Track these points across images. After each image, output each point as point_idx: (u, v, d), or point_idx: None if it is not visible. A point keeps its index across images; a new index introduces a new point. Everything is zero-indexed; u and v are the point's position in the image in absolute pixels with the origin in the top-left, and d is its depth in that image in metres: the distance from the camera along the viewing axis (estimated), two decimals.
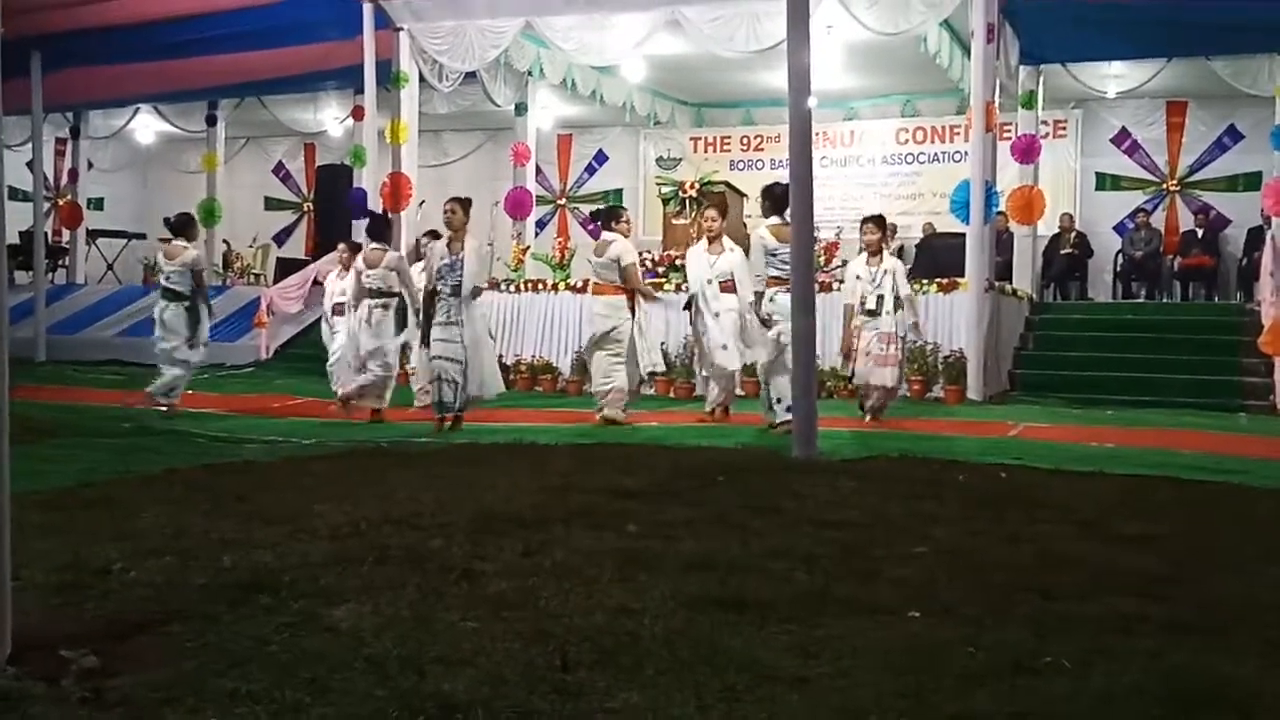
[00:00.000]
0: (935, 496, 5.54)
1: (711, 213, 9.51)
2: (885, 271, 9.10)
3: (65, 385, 12.45)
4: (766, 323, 8.63)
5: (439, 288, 8.65)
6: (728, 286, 9.06)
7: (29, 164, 16.67)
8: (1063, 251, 15.61)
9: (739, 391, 9.79)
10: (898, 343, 9.09)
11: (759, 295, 8.76)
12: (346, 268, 10.34)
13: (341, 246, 11.09)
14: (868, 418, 9.14)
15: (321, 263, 14.83)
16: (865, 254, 9.24)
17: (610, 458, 6.77)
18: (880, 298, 9.02)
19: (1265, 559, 4.27)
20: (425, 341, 8.83)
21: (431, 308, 8.69)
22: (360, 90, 14.04)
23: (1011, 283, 13.21)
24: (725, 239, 9.29)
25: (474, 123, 18.26)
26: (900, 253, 15.77)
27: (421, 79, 13.65)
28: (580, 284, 12.73)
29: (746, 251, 9.14)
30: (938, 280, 11.56)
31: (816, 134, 11.20)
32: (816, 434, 7.15)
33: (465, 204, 8.81)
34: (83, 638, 3.05)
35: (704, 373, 9.77)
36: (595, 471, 6.09)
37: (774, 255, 8.73)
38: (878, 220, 9.41)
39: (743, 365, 9.35)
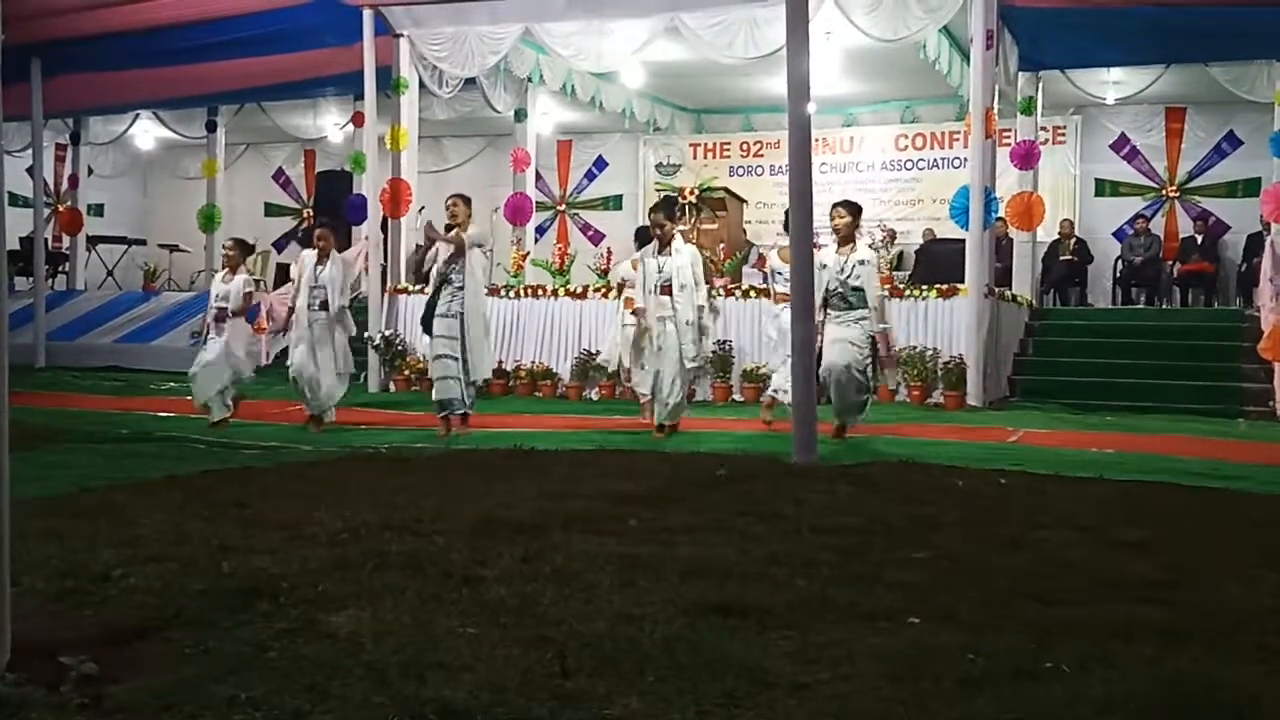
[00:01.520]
0: (934, 502, 5.54)
1: (657, 217, 9.02)
2: (860, 262, 8.43)
3: (65, 391, 12.46)
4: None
5: (450, 277, 8.75)
6: (667, 289, 8.65)
7: (29, 170, 16.69)
8: (1062, 257, 15.61)
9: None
10: (884, 340, 8.62)
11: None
12: (233, 270, 9.82)
13: (227, 244, 10.27)
14: (843, 426, 8.58)
15: None
16: (835, 242, 8.56)
17: (609, 463, 6.78)
18: (857, 290, 8.38)
19: (1265, 565, 4.27)
20: (427, 330, 8.91)
21: (436, 298, 8.81)
22: (360, 96, 14.05)
23: (1011, 289, 13.21)
24: (677, 240, 8.87)
25: (474, 129, 18.27)
26: (900, 259, 15.84)
27: (421, 85, 13.67)
28: (580, 290, 12.76)
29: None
30: (937, 286, 11.56)
31: (816, 140, 11.21)
32: (816, 440, 7.16)
33: (467, 200, 9.03)
34: (82, 644, 3.05)
35: (628, 383, 9.28)
36: (594, 477, 6.09)
37: (779, 274, 8.99)
38: (848, 205, 8.72)
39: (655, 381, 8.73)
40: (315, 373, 9.26)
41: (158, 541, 4.37)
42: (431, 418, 9.00)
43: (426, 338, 9.11)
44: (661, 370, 8.68)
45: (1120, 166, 16.38)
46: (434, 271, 8.98)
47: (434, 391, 8.92)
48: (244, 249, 10.39)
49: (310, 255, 9.60)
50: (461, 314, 8.69)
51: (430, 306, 8.87)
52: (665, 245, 8.81)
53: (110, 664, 2.92)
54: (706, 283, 9.21)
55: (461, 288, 8.71)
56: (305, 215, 20.51)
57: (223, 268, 9.95)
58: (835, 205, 8.71)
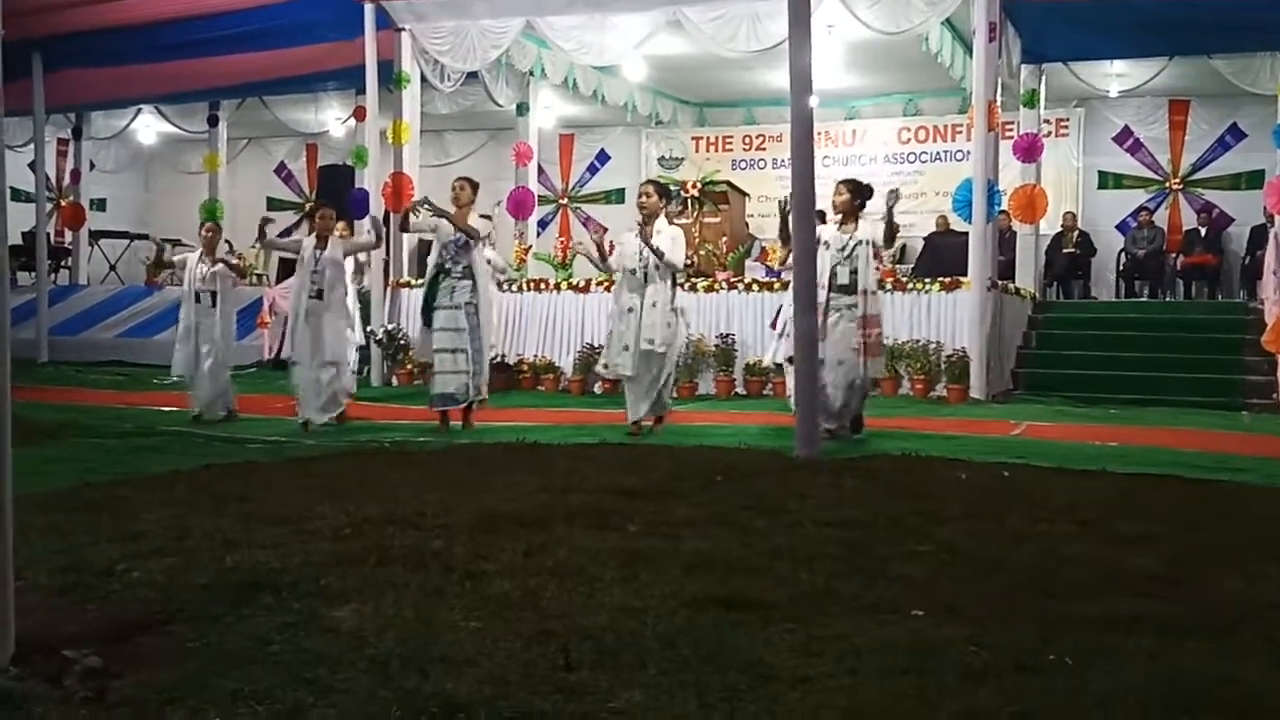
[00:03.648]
0: (938, 496, 5.54)
1: (647, 188, 8.55)
2: (860, 241, 8.00)
3: (67, 386, 12.48)
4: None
5: (447, 267, 8.68)
6: (644, 271, 8.28)
7: (31, 165, 16.69)
8: (1065, 250, 15.60)
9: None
10: (880, 327, 8.25)
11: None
12: (211, 251, 9.55)
13: (209, 225, 10.01)
14: (848, 427, 8.25)
15: None
16: (837, 220, 8.19)
17: (612, 457, 6.78)
18: (854, 273, 7.98)
19: (1267, 559, 4.26)
20: (427, 323, 8.77)
21: (435, 289, 8.70)
22: (362, 90, 14.01)
23: (1014, 281, 13.20)
24: (661, 220, 8.37)
25: (476, 123, 18.27)
26: (903, 252, 15.80)
27: (423, 79, 13.66)
28: (582, 283, 12.77)
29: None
30: (940, 279, 11.54)
31: (818, 133, 11.17)
32: (819, 433, 7.16)
33: (474, 184, 8.97)
34: (85, 638, 3.05)
35: (602, 369, 9.07)
36: (597, 471, 6.09)
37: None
38: (849, 182, 8.23)
39: (637, 372, 8.33)
40: (315, 372, 9.01)
41: (160, 536, 4.37)
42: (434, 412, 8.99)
43: (424, 329, 8.99)
44: (638, 357, 8.28)
45: (1123, 159, 16.36)
46: (430, 261, 8.89)
47: (434, 385, 8.85)
48: (220, 232, 10.18)
49: (310, 241, 9.21)
50: (474, 304, 8.64)
51: (429, 297, 8.74)
52: (648, 223, 8.36)
53: (113, 658, 2.93)
54: (687, 271, 8.77)
55: (465, 278, 8.64)
56: (307, 209, 20.51)
57: (201, 250, 9.62)
58: (840, 182, 8.34)
